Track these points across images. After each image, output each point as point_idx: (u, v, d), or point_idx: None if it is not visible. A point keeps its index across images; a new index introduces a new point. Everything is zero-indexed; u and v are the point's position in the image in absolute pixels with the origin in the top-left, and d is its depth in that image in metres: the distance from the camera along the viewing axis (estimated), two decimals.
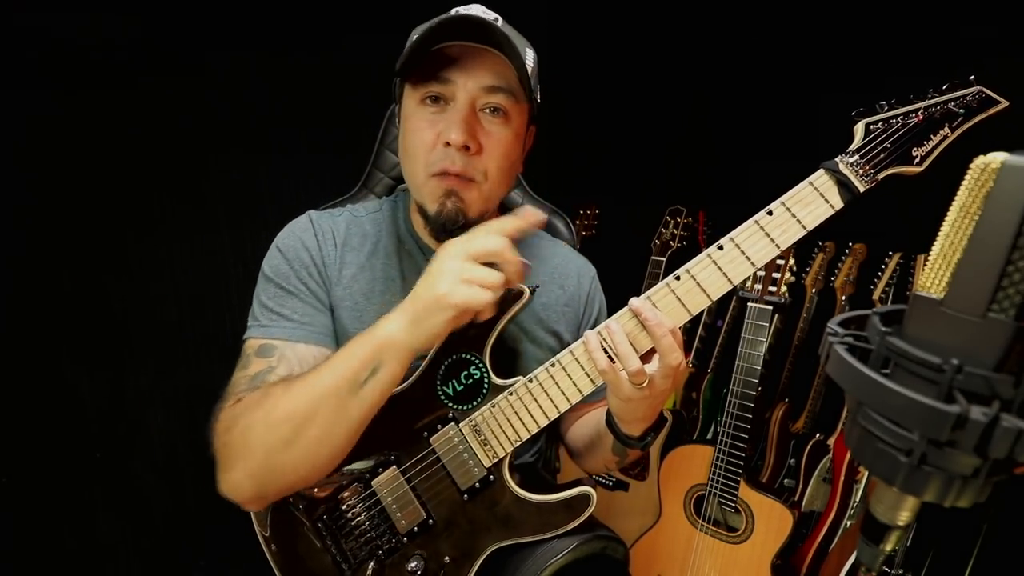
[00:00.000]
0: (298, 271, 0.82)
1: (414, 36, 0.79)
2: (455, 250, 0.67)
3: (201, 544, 1.43)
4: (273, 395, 0.69)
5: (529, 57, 0.79)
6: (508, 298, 0.79)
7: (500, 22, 0.78)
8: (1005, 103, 0.66)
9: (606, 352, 0.71)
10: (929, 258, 0.30)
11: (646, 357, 0.70)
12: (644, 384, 0.69)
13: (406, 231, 0.91)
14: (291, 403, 0.67)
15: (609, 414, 0.80)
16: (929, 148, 0.66)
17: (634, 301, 0.70)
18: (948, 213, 0.29)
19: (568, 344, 0.93)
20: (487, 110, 0.78)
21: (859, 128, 0.68)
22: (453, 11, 0.76)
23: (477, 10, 0.77)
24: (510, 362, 0.89)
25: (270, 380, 0.74)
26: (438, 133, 0.77)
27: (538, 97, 0.85)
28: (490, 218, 0.88)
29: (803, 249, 1.73)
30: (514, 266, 0.67)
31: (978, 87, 0.66)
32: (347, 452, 0.71)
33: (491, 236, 0.67)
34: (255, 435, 0.68)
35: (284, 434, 0.67)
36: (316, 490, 0.83)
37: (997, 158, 0.27)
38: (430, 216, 0.81)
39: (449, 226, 0.81)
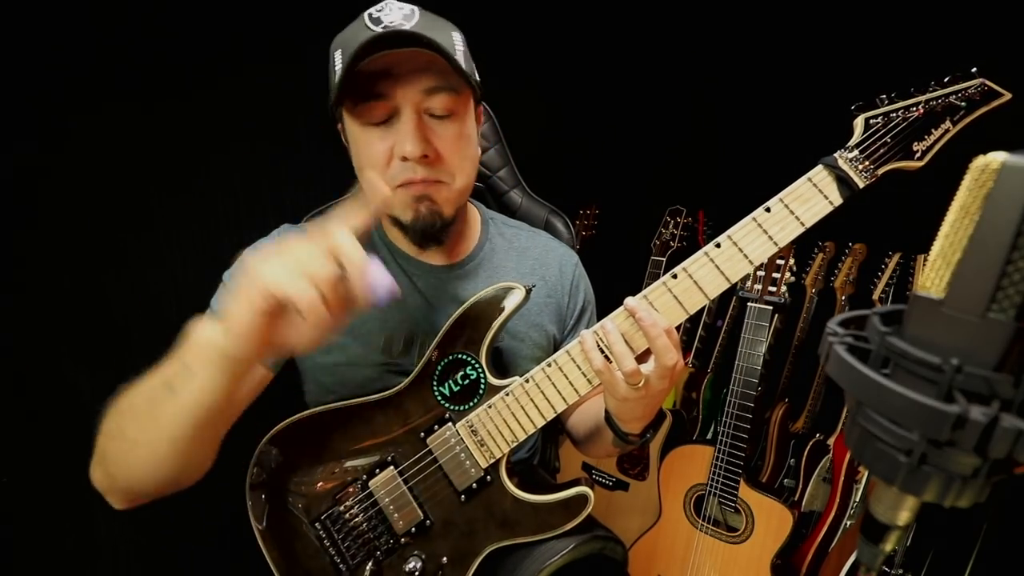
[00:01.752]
0: None
1: (336, 53, 0.75)
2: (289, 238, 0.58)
3: (201, 544, 1.43)
4: (120, 398, 0.66)
5: (458, 41, 0.77)
6: (506, 298, 0.79)
7: (417, 15, 0.73)
8: (1008, 95, 0.64)
9: (602, 352, 0.70)
10: (929, 258, 0.30)
11: (643, 357, 0.70)
12: (640, 384, 0.68)
13: (379, 240, 0.89)
14: (121, 403, 0.64)
15: (607, 411, 0.80)
16: (930, 142, 0.65)
17: (629, 300, 0.70)
18: (948, 213, 0.29)
19: (553, 336, 0.93)
20: (433, 115, 0.76)
21: (859, 122, 0.67)
22: (367, 18, 0.73)
23: (393, 13, 0.73)
24: (497, 360, 0.89)
25: None
26: (391, 147, 0.75)
27: (477, 77, 0.81)
28: (462, 211, 0.87)
29: (803, 249, 1.73)
30: (357, 267, 0.55)
31: (980, 79, 0.65)
32: (182, 463, 0.66)
33: (341, 228, 0.57)
34: (104, 442, 0.67)
35: (111, 431, 0.65)
36: (315, 490, 0.83)
37: (997, 158, 0.27)
38: (407, 225, 0.80)
39: (428, 231, 0.80)
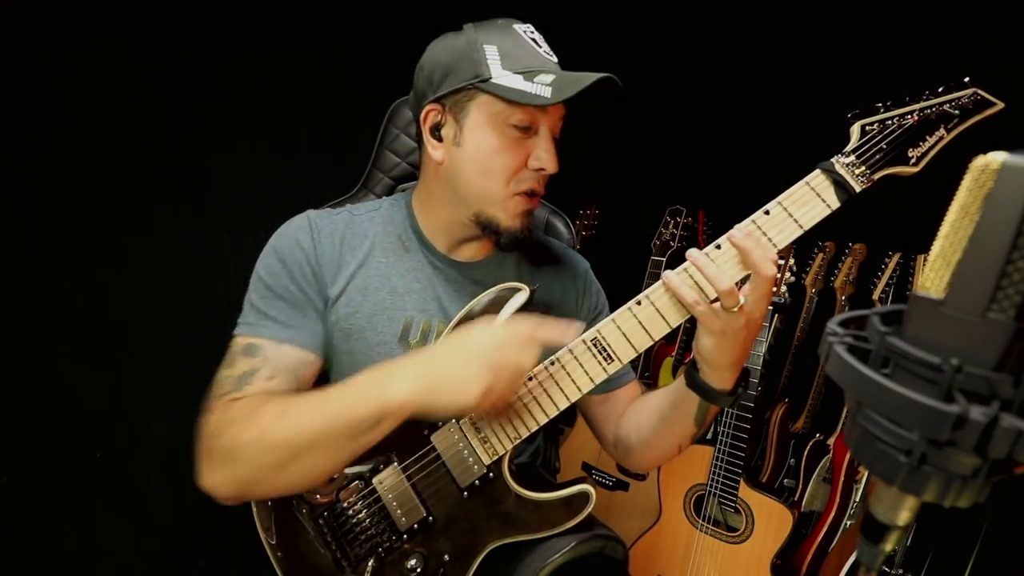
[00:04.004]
0: (291, 272, 0.82)
1: (487, 47, 0.79)
2: (501, 338, 0.69)
3: (201, 544, 1.43)
4: (266, 417, 0.70)
5: None
6: (511, 298, 0.79)
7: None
8: (1000, 105, 0.66)
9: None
10: (929, 258, 0.30)
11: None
12: (738, 307, 0.67)
13: (409, 230, 0.90)
14: (286, 433, 0.69)
15: (692, 373, 0.77)
16: (925, 149, 0.66)
17: (733, 231, 0.69)
18: (948, 213, 0.29)
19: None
20: (555, 138, 0.83)
21: (855, 129, 0.69)
22: (534, 43, 0.81)
23: (543, 43, 0.83)
24: None
25: (255, 382, 0.76)
26: (527, 156, 0.80)
27: None
28: None
29: (803, 249, 1.73)
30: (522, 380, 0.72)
31: (973, 89, 0.67)
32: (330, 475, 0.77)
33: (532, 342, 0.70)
34: (246, 453, 0.70)
35: (276, 459, 0.69)
36: (318, 487, 0.83)
37: (997, 158, 0.27)
38: (503, 229, 0.83)
39: (519, 239, 0.85)
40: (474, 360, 0.67)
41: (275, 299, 0.82)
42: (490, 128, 0.79)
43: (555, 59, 0.83)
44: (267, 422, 0.70)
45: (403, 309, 0.86)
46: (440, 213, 0.88)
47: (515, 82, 0.77)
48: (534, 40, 0.82)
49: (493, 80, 0.77)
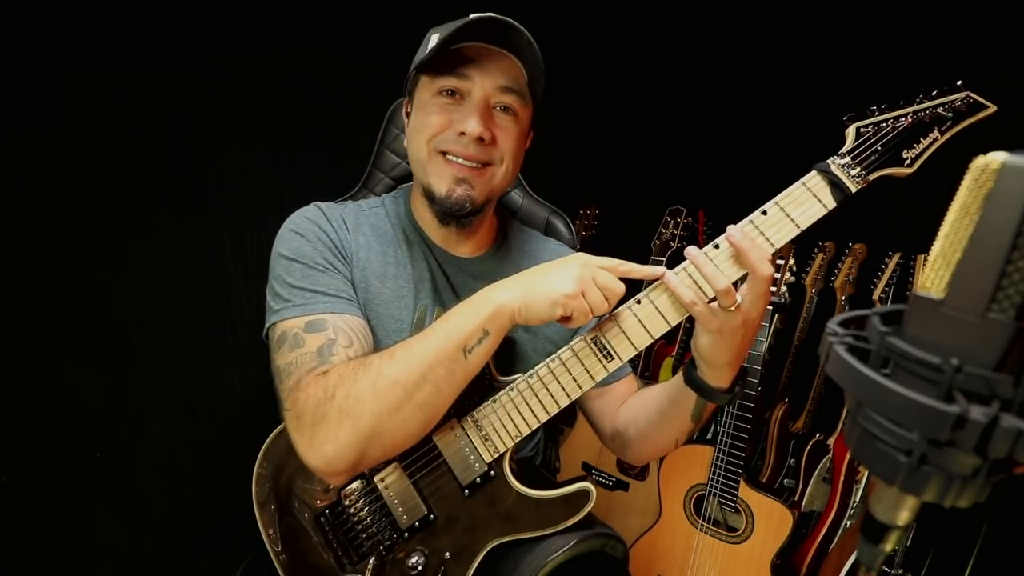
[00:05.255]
0: (320, 250, 0.83)
1: (433, 35, 0.82)
2: (591, 258, 0.71)
3: (201, 544, 1.43)
4: (373, 364, 0.70)
5: (540, 64, 0.83)
6: None
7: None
8: (993, 108, 0.67)
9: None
10: (929, 258, 0.30)
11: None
12: (734, 306, 0.68)
13: (409, 224, 0.93)
14: (398, 370, 0.69)
15: (690, 371, 0.78)
16: (919, 151, 0.68)
17: (730, 231, 0.70)
18: (948, 213, 0.29)
19: (553, 339, 0.94)
20: (499, 108, 0.83)
21: (850, 131, 0.70)
22: (475, 16, 0.79)
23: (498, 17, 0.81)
24: (507, 352, 0.90)
25: (337, 352, 0.75)
26: (451, 121, 0.81)
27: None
28: (489, 209, 0.92)
29: (803, 249, 1.73)
30: (615, 300, 0.70)
31: (965, 92, 0.68)
32: (444, 413, 0.74)
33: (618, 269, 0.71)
34: (365, 400, 0.68)
35: (393, 400, 0.68)
36: (319, 485, 0.83)
37: (997, 158, 0.27)
38: (437, 198, 0.84)
39: (455, 210, 0.84)
40: (567, 269, 0.69)
41: (317, 274, 0.81)
42: (424, 98, 0.83)
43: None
44: (376, 368, 0.70)
45: (416, 298, 0.88)
46: (419, 204, 0.91)
47: (431, 45, 0.80)
48: (482, 12, 0.82)
49: (423, 57, 0.81)
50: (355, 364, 0.72)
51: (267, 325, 0.81)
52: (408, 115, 0.89)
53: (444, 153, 0.82)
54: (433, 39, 0.81)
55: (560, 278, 0.68)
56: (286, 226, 0.86)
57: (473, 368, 0.71)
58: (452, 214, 0.85)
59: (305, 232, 0.84)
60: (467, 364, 0.70)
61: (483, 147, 0.82)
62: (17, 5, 1.07)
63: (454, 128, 0.81)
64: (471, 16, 0.77)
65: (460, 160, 0.82)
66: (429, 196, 0.85)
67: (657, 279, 0.72)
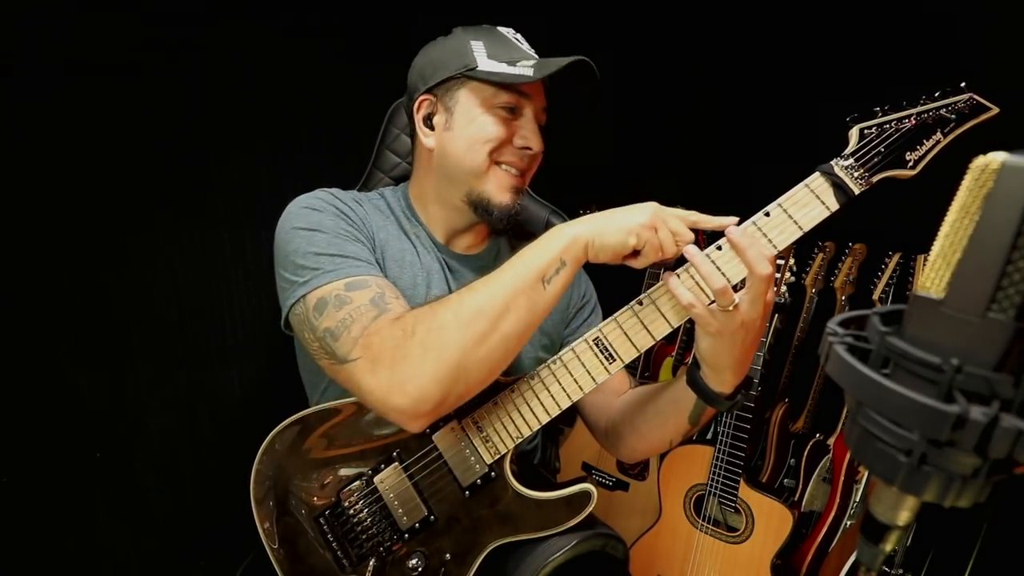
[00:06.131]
0: (341, 222, 0.82)
1: (472, 41, 0.86)
2: (660, 207, 0.73)
3: (201, 544, 1.43)
4: (451, 300, 0.71)
5: None
6: None
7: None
8: (996, 109, 0.67)
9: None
10: (929, 258, 0.30)
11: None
12: (732, 306, 0.68)
13: (412, 219, 0.94)
14: (481, 299, 0.69)
15: (693, 372, 0.78)
16: (922, 152, 0.68)
17: (730, 229, 0.70)
18: (948, 213, 0.29)
19: (557, 334, 0.95)
20: (539, 124, 0.89)
21: (853, 133, 0.70)
22: (514, 39, 0.89)
23: (523, 42, 0.91)
24: None
25: (388, 303, 0.73)
26: (512, 134, 0.86)
27: None
28: None
29: (803, 249, 1.73)
30: (684, 246, 0.71)
31: (969, 94, 0.68)
32: (518, 351, 0.74)
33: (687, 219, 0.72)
34: (449, 331, 0.68)
35: (479, 329, 0.68)
36: (319, 486, 0.83)
37: (997, 158, 0.27)
38: (493, 205, 0.87)
39: (504, 216, 0.87)
40: (642, 207, 0.72)
41: (344, 241, 0.80)
42: (478, 109, 0.85)
43: (536, 56, 0.89)
44: (456, 301, 0.70)
45: (428, 287, 0.90)
46: (435, 204, 0.92)
47: (500, 68, 0.83)
48: (517, 39, 0.90)
49: (480, 68, 0.83)
50: (429, 304, 0.72)
51: (291, 302, 0.76)
52: (431, 115, 0.88)
53: (498, 163, 0.86)
54: (475, 46, 0.85)
55: (635, 212, 0.71)
56: (295, 205, 0.83)
57: (552, 299, 0.72)
58: (502, 220, 0.88)
59: (322, 208, 0.82)
60: (546, 294, 0.71)
61: (533, 160, 0.90)
62: (17, 5, 1.06)
63: (516, 142, 0.86)
64: (573, 58, 0.80)
65: (514, 171, 0.87)
66: (479, 203, 0.87)
67: (723, 228, 0.70)
